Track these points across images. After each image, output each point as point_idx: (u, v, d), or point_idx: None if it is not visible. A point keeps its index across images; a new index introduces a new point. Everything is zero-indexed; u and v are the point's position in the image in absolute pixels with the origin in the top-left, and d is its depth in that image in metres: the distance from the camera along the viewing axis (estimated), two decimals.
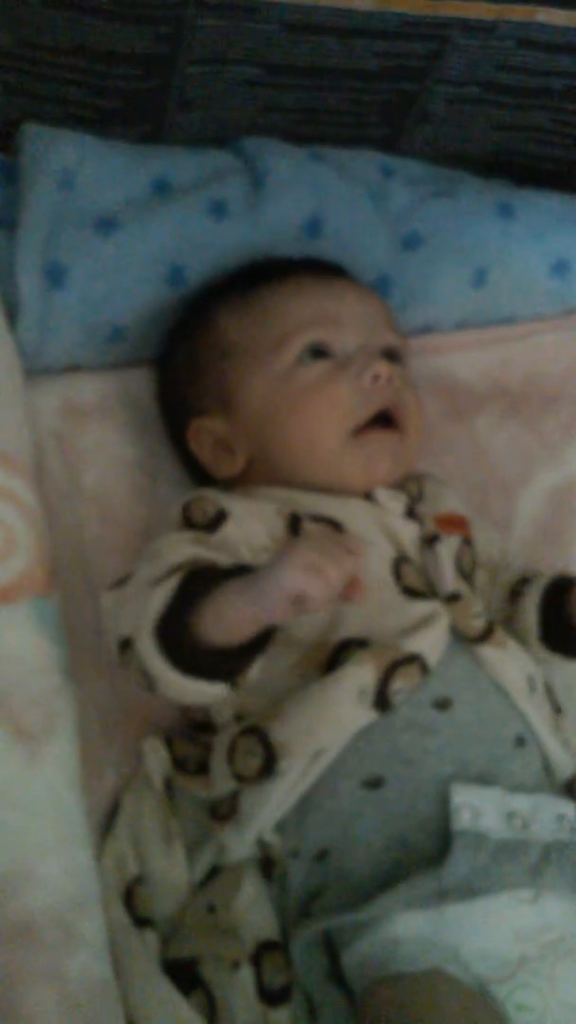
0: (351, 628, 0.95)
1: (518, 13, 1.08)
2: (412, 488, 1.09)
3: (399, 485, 1.07)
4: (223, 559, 0.92)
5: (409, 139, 1.26)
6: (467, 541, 1.07)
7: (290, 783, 0.92)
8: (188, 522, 1.00)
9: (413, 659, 0.93)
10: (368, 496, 1.04)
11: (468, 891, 0.87)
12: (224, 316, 1.10)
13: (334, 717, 0.91)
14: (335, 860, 0.91)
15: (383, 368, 1.04)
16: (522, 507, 1.23)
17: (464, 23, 1.08)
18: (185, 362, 1.12)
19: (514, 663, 0.97)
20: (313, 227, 1.18)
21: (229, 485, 1.08)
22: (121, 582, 0.94)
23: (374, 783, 0.92)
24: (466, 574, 1.05)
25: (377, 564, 0.99)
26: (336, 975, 0.91)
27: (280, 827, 0.93)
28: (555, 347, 1.30)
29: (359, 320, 1.07)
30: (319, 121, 1.21)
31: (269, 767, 0.92)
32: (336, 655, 0.94)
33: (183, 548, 0.94)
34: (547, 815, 0.92)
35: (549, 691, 1.01)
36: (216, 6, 1.02)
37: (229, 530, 0.98)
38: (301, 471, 1.05)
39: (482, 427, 1.26)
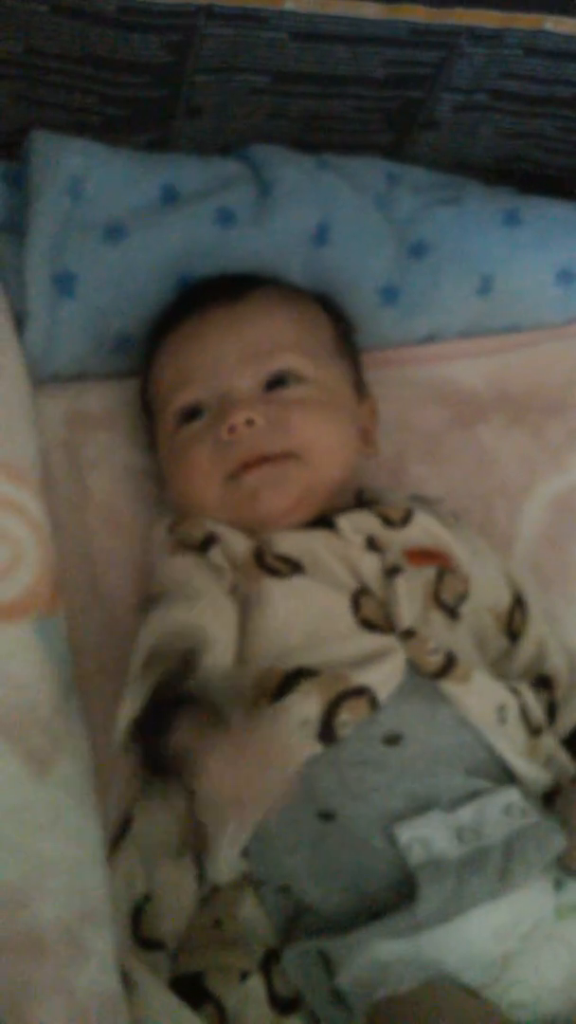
0: (303, 657, 0.94)
1: (525, 21, 1.08)
2: (394, 513, 1.05)
3: (383, 509, 1.05)
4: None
5: (415, 146, 1.26)
6: (446, 571, 1.03)
7: None
8: (180, 542, 1.01)
9: (362, 692, 0.92)
10: (331, 525, 1.02)
11: (442, 917, 0.87)
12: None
13: (279, 748, 0.89)
14: (298, 893, 0.92)
15: (236, 418, 1.01)
16: (527, 515, 1.23)
17: (471, 31, 1.08)
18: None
19: (481, 696, 0.95)
20: (320, 235, 1.18)
21: None
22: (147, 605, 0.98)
23: (326, 816, 0.91)
24: (448, 604, 1.02)
25: (335, 595, 0.98)
26: (337, 990, 0.91)
27: (245, 855, 0.93)
28: (560, 355, 1.30)
29: (228, 360, 1.04)
30: (326, 128, 1.21)
31: None
32: (285, 683, 0.93)
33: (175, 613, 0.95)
34: (494, 813, 0.91)
35: (525, 714, 0.98)
36: (225, 15, 1.02)
37: (218, 552, 1.00)
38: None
39: (486, 435, 1.26)
